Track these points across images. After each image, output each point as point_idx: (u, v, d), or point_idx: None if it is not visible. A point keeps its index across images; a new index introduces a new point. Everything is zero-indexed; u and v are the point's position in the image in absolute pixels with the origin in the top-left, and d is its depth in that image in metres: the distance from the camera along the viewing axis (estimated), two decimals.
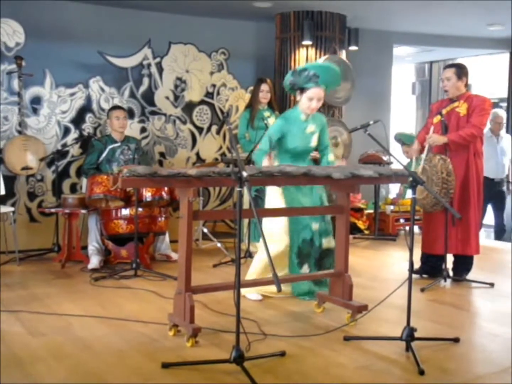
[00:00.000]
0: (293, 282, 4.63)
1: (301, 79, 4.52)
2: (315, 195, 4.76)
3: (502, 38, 9.02)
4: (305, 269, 4.65)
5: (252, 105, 6.31)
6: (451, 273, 5.27)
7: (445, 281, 5.17)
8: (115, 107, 6.35)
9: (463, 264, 5.32)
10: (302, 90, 4.57)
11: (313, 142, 4.74)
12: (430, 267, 5.36)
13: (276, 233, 4.61)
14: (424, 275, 5.39)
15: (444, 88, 5.32)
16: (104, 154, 6.09)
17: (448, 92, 5.29)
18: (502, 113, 7.96)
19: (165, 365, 3.22)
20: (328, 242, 4.74)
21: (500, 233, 7.98)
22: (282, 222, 4.63)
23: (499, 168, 7.68)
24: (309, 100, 4.55)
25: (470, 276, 5.33)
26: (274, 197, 4.66)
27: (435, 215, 5.22)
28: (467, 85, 5.27)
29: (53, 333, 3.81)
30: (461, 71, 5.20)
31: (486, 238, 8.36)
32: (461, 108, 5.18)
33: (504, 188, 7.80)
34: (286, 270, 4.66)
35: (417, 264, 5.35)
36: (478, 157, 5.24)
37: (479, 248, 5.33)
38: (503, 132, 7.87)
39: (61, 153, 6.55)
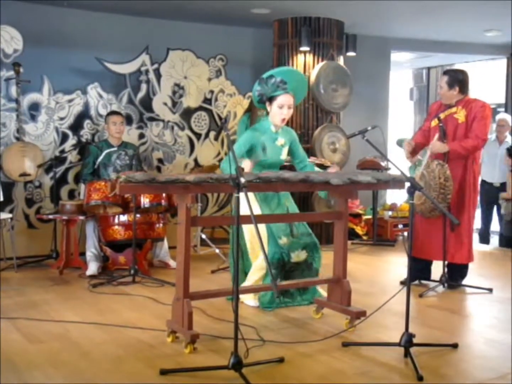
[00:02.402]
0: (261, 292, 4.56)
1: (269, 87, 4.49)
2: (282, 202, 4.72)
3: (499, 44, 9.05)
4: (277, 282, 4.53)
5: (251, 110, 6.29)
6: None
7: (444, 286, 5.17)
8: (112, 113, 6.36)
9: (457, 270, 5.29)
10: (271, 99, 4.52)
11: (283, 155, 4.70)
12: (418, 271, 5.32)
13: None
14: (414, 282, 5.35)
15: (439, 95, 5.33)
16: (100, 159, 6.10)
17: (442, 99, 5.28)
18: (505, 116, 7.96)
19: (163, 372, 3.21)
20: (297, 256, 4.63)
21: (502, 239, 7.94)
22: (263, 232, 4.54)
23: (499, 173, 7.66)
24: (279, 108, 4.49)
25: (469, 281, 5.32)
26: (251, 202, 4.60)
27: (428, 220, 5.20)
28: (463, 92, 5.15)
29: (50, 340, 3.80)
30: (453, 79, 5.11)
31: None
32: (459, 115, 5.13)
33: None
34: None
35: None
36: (475, 163, 5.22)
37: (472, 256, 5.29)
38: (509, 137, 7.86)
39: (59, 160, 6.55)
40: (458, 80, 5.12)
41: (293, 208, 4.82)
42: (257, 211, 4.49)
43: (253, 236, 4.59)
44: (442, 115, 5.17)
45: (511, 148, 7.26)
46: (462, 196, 5.17)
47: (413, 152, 5.37)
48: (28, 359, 3.44)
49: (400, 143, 7.77)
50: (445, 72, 5.28)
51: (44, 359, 3.45)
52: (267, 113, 4.66)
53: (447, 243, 5.12)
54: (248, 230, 4.57)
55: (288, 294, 4.65)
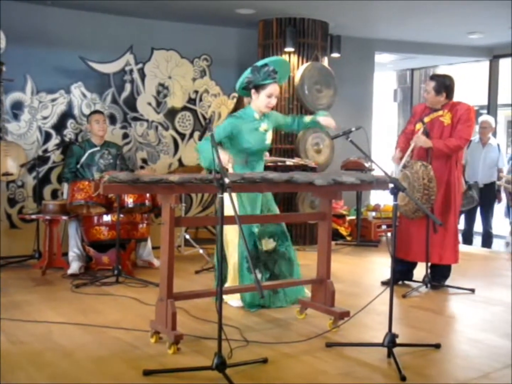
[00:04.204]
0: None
1: (261, 76, 4.45)
2: (255, 196, 4.69)
3: (482, 46, 9.13)
4: (257, 274, 4.53)
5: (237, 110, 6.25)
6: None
7: (427, 287, 5.19)
8: (94, 112, 6.34)
9: (441, 271, 5.33)
10: (258, 87, 4.48)
11: (268, 140, 4.66)
12: (401, 273, 5.34)
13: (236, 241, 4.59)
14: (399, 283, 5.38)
15: (425, 99, 5.36)
16: (83, 159, 6.07)
17: (428, 104, 5.32)
18: (488, 118, 8.03)
19: (147, 373, 3.20)
20: (265, 244, 4.64)
21: (486, 239, 8.00)
22: (229, 229, 4.55)
23: (483, 174, 7.72)
24: (268, 97, 4.47)
25: (452, 282, 5.36)
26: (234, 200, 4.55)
27: (412, 221, 5.22)
28: (449, 97, 5.20)
29: (33, 340, 3.77)
30: (440, 85, 5.14)
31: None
32: (445, 118, 5.17)
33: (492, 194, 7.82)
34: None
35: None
36: (459, 163, 5.28)
37: (458, 257, 5.33)
38: (492, 139, 7.93)
39: (42, 159, 6.51)
40: (445, 86, 5.17)
41: (271, 203, 4.78)
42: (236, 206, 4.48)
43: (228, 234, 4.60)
44: (427, 118, 5.21)
45: None
46: (448, 197, 5.20)
47: (401, 158, 5.37)
48: (10, 360, 3.41)
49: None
50: (432, 78, 5.31)
51: (26, 360, 3.42)
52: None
53: (435, 244, 5.15)
54: (226, 229, 4.55)
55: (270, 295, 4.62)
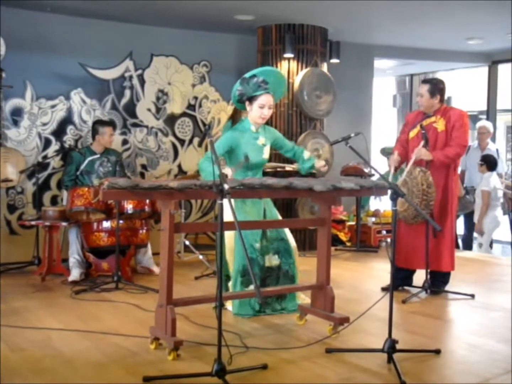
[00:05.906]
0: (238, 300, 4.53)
1: (250, 87, 4.46)
2: (258, 207, 4.67)
3: (481, 52, 9.15)
4: (251, 288, 4.47)
5: (235, 116, 6.21)
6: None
7: (426, 292, 5.19)
8: (107, 123, 6.32)
9: (441, 277, 5.32)
10: (251, 99, 4.49)
11: (265, 155, 4.68)
12: (401, 279, 5.33)
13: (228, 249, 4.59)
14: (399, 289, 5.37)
15: (418, 103, 5.37)
16: (82, 166, 6.07)
17: (422, 108, 5.33)
18: (485, 123, 8.05)
19: (146, 379, 3.19)
20: (269, 260, 4.60)
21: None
22: (230, 238, 4.54)
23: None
24: (260, 108, 4.48)
25: (451, 287, 5.35)
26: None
27: (411, 227, 5.22)
28: (442, 101, 5.22)
29: (32, 347, 3.76)
30: (434, 88, 5.16)
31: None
32: (439, 124, 5.18)
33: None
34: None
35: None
36: (456, 170, 5.30)
37: (454, 264, 5.31)
38: (491, 144, 7.94)
39: (42, 165, 6.52)
40: (439, 89, 5.19)
41: (272, 211, 4.77)
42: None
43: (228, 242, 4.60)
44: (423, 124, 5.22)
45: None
46: (445, 203, 5.20)
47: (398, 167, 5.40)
48: (9, 367, 3.40)
49: (387, 151, 7.84)
50: (426, 81, 5.33)
51: (26, 367, 3.42)
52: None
53: (434, 252, 5.15)
54: (226, 236, 4.54)
55: (266, 304, 4.59)
